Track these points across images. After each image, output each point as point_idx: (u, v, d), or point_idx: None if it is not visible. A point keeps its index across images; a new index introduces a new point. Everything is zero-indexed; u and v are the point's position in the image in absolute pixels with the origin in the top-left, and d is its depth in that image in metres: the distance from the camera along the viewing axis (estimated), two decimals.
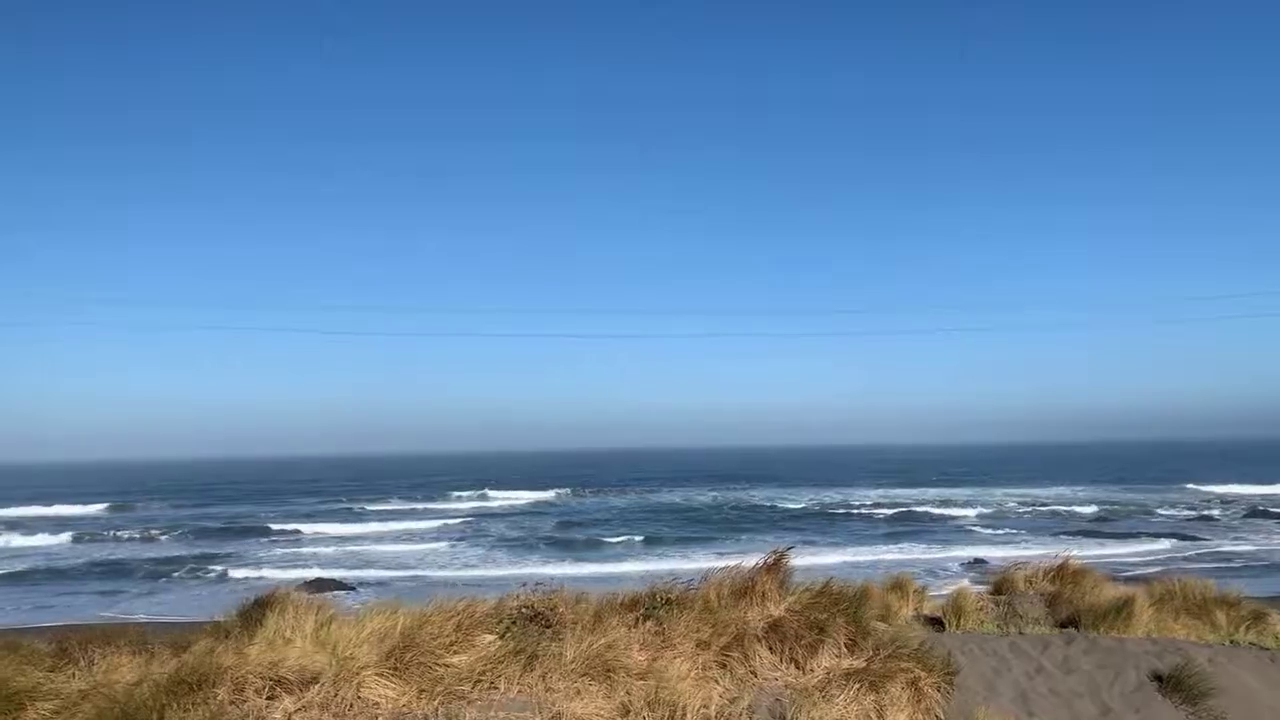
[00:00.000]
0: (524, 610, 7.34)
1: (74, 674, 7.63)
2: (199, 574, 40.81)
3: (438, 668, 6.60)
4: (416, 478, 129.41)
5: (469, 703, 6.33)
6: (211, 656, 6.71)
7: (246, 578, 39.45)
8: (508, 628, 7.21)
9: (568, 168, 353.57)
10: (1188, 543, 46.99)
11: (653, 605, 7.30)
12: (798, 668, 6.95)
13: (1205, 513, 63.04)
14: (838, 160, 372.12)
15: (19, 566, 42.37)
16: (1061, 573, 11.06)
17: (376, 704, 6.37)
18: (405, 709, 6.30)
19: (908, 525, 57.88)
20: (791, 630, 7.06)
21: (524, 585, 7.95)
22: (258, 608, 8.70)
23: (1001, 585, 11.07)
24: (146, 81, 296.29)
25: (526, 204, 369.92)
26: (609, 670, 6.53)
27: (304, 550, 49.26)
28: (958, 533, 53.80)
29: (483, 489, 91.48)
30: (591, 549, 48.31)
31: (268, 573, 40.33)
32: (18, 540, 53.25)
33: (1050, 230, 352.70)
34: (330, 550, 48.99)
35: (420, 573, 41.18)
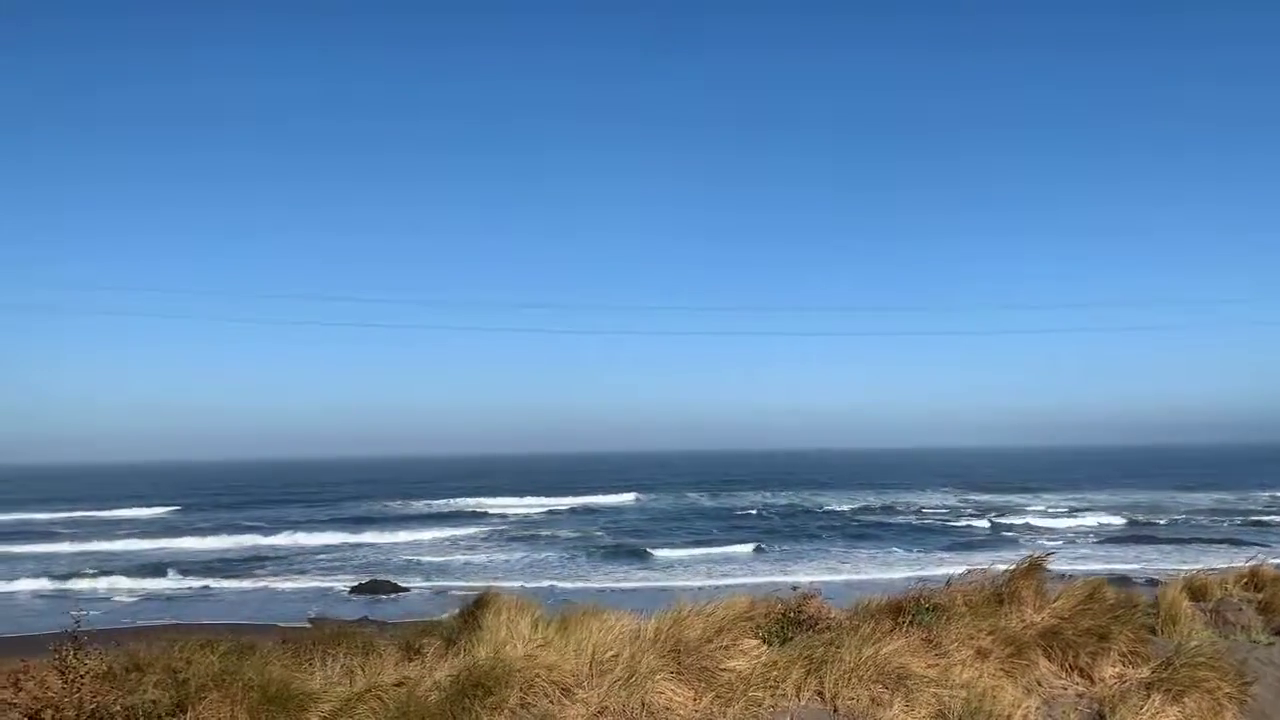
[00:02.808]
0: (788, 614, 7.16)
1: (312, 673, 7.54)
2: (256, 577, 41.06)
3: (721, 672, 6.43)
4: (460, 480, 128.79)
5: (767, 709, 6.16)
6: (497, 658, 6.56)
7: (299, 584, 39.65)
8: (773, 631, 7.03)
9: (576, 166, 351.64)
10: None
11: (918, 610, 7.09)
12: (1083, 677, 6.73)
13: (1258, 518, 62.01)
14: (867, 167, 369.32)
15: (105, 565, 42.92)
16: (1256, 578, 10.76)
17: (668, 709, 6.21)
18: (705, 715, 6.13)
19: (965, 533, 57.28)
20: (1070, 638, 6.84)
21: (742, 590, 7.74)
22: (476, 607, 8.58)
23: (1194, 590, 10.77)
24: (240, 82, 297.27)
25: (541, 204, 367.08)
26: (901, 678, 6.33)
27: (355, 554, 49.29)
28: (1009, 540, 53.27)
29: (538, 493, 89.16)
30: (656, 556, 47.74)
31: (320, 581, 40.46)
32: (94, 544, 53.79)
33: (1097, 232, 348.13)
34: (387, 556, 49.08)
35: (483, 582, 41.09)
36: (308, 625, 27.77)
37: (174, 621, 29.87)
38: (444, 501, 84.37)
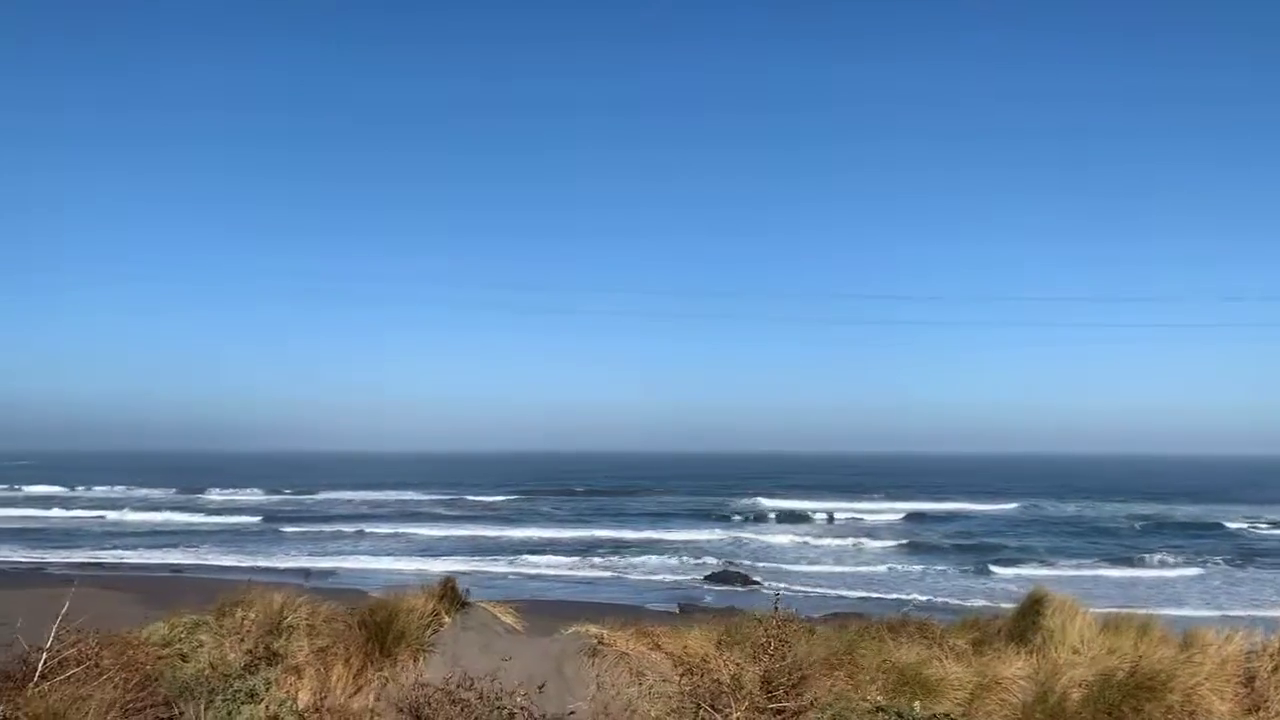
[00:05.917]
0: None
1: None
2: (613, 563, 43.74)
3: None
4: (817, 475, 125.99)
5: None
6: (1151, 662, 6.35)
7: (652, 572, 41.27)
8: None
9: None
10: None
11: None
12: None
13: None
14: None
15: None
16: None
17: None
18: None
19: None
20: None
21: None
22: (1031, 605, 8.41)
23: None
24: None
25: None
26: None
27: (707, 547, 50.57)
28: None
29: (905, 498, 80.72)
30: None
31: (672, 572, 41.82)
32: (422, 530, 60.14)
33: None
34: (734, 551, 49.81)
35: (849, 591, 40.26)
36: (676, 610, 29.12)
37: (560, 600, 32.48)
38: (790, 503, 78.11)
